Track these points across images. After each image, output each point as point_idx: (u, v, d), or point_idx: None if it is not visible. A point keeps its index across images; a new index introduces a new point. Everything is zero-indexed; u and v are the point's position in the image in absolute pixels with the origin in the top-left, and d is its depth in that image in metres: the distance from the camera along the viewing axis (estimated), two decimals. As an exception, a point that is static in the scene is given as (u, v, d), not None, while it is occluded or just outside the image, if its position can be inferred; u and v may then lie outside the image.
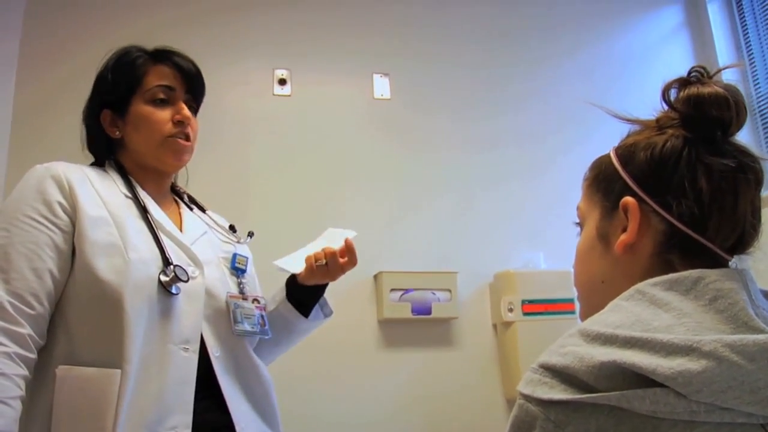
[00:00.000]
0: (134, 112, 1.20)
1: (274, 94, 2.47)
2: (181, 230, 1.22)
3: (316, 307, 1.34)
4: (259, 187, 2.34)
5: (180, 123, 1.21)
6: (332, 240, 1.30)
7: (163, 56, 1.24)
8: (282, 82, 2.49)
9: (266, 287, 1.38)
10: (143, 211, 1.16)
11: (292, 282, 1.33)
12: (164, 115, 1.20)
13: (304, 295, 1.32)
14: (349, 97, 2.55)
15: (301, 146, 2.43)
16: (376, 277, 2.36)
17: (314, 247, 1.30)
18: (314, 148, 2.44)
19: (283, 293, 1.33)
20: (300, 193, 2.37)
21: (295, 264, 1.29)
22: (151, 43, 1.26)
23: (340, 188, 2.42)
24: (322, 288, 1.33)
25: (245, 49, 2.48)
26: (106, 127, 1.22)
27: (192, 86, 1.26)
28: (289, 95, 2.48)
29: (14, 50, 2.24)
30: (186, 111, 1.22)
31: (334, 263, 1.25)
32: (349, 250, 1.26)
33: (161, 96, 1.20)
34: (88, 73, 1.25)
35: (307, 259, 1.27)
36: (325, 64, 2.55)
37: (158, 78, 1.21)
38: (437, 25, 2.70)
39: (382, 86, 2.57)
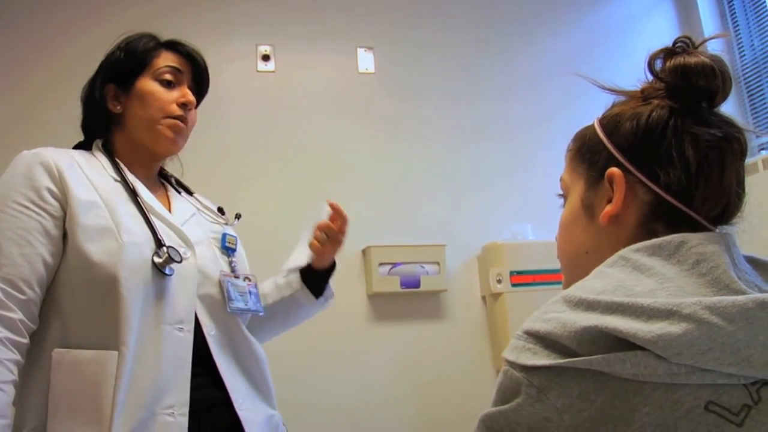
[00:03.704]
0: (140, 87, 1.21)
1: (257, 71, 2.44)
2: (170, 212, 1.22)
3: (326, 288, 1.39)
4: (244, 163, 2.32)
5: (183, 106, 1.23)
6: (316, 219, 1.35)
7: (175, 45, 1.27)
8: (266, 58, 2.45)
9: (257, 268, 1.38)
10: (132, 194, 1.16)
11: (305, 271, 1.37)
12: (170, 95, 1.22)
13: (313, 279, 1.37)
14: (334, 72, 2.52)
15: (285, 122, 2.40)
16: (364, 251, 2.36)
17: (308, 235, 1.35)
18: (299, 123, 2.42)
19: (298, 277, 1.37)
20: (286, 168, 2.36)
21: (302, 257, 1.36)
22: (136, 27, 1.27)
23: (325, 163, 2.41)
24: (329, 271, 1.39)
25: (227, 26, 2.44)
26: (108, 100, 1.22)
27: (198, 76, 1.29)
28: (273, 71, 2.45)
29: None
30: (191, 96, 1.24)
31: (332, 231, 1.31)
32: (336, 210, 1.31)
33: (168, 77, 1.22)
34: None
35: (312, 246, 1.32)
36: (309, 39, 2.51)
37: (168, 60, 1.24)
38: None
39: (366, 60, 2.55)
